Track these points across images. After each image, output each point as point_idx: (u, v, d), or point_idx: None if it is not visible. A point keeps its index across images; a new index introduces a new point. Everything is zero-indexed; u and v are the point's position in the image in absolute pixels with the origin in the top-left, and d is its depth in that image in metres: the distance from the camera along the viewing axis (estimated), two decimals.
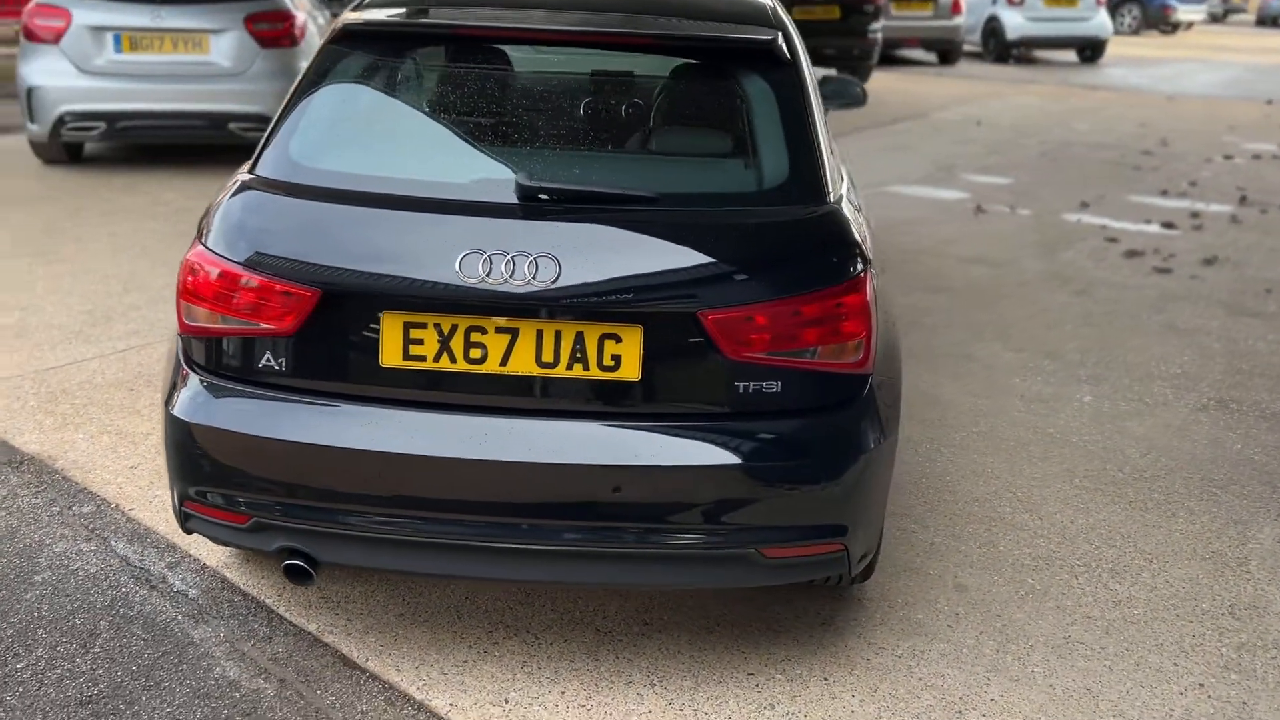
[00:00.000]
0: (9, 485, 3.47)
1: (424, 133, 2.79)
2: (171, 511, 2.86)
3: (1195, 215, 7.58)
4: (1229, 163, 9.62)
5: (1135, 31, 26.09)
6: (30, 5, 7.48)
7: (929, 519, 3.41)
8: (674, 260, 2.38)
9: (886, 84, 14.35)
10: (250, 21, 7.49)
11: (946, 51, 17.23)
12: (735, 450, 2.40)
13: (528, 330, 2.35)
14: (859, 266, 2.48)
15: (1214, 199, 8.14)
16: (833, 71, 11.65)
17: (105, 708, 2.51)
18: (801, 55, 2.88)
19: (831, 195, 2.59)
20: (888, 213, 7.39)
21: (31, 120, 7.47)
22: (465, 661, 2.70)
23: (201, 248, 2.52)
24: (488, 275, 2.31)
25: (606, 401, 2.40)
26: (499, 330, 2.35)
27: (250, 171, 2.65)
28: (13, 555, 3.08)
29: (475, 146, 2.67)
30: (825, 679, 2.67)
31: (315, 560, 2.52)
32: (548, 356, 2.36)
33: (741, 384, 2.39)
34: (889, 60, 16.67)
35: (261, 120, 7.15)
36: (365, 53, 2.82)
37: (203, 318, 2.49)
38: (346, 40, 2.79)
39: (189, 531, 2.63)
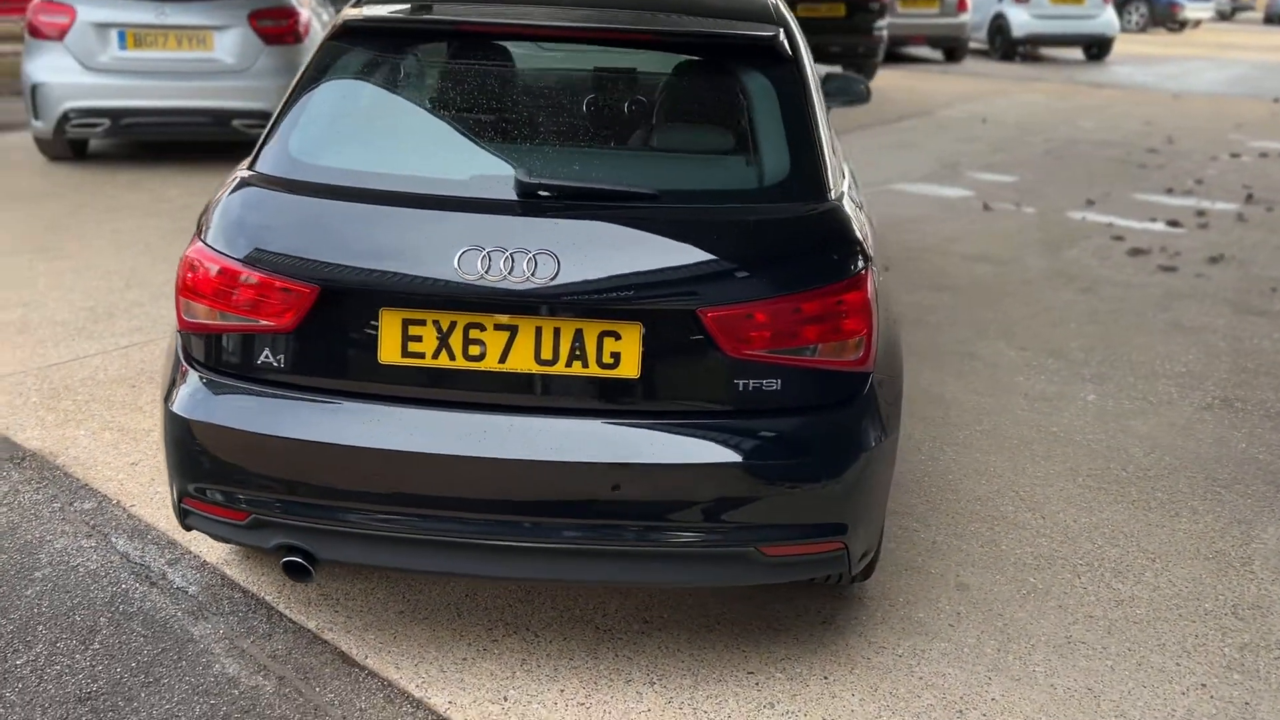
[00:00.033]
0: (10, 481, 3.47)
1: (424, 129, 2.79)
2: (171, 508, 2.86)
3: (1201, 213, 7.56)
4: (1235, 161, 9.58)
5: (1142, 29, 26.01)
6: (35, 2, 7.48)
7: (931, 517, 3.40)
8: (673, 257, 2.37)
9: (892, 81, 14.32)
10: (254, 18, 7.49)
11: (952, 49, 17.18)
12: (735, 448, 2.39)
13: (526, 327, 2.34)
14: (860, 264, 2.47)
15: (1220, 197, 8.11)
16: (837, 69, 11.64)
17: (104, 704, 2.51)
18: (803, 52, 2.87)
19: (832, 192, 2.58)
20: (892, 210, 7.37)
21: (36, 117, 7.48)
22: (464, 659, 2.69)
23: (201, 244, 2.51)
24: (486, 272, 2.30)
25: (606, 399, 2.39)
26: (498, 327, 2.35)
27: (250, 168, 2.65)
28: (13, 551, 3.08)
29: (475, 143, 2.66)
30: (825, 678, 2.66)
31: (314, 557, 2.51)
32: (547, 354, 2.35)
33: (741, 382, 2.38)
34: (894, 58, 16.62)
35: (265, 117, 7.14)
36: (366, 49, 2.81)
37: (202, 314, 2.49)
38: (347, 36, 2.78)
39: (188, 528, 2.63)
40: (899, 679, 2.66)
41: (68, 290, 5.23)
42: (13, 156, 8.15)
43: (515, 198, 2.45)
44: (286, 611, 2.84)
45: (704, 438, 2.39)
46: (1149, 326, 5.21)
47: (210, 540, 3.05)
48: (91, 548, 3.11)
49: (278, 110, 2.71)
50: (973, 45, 18.13)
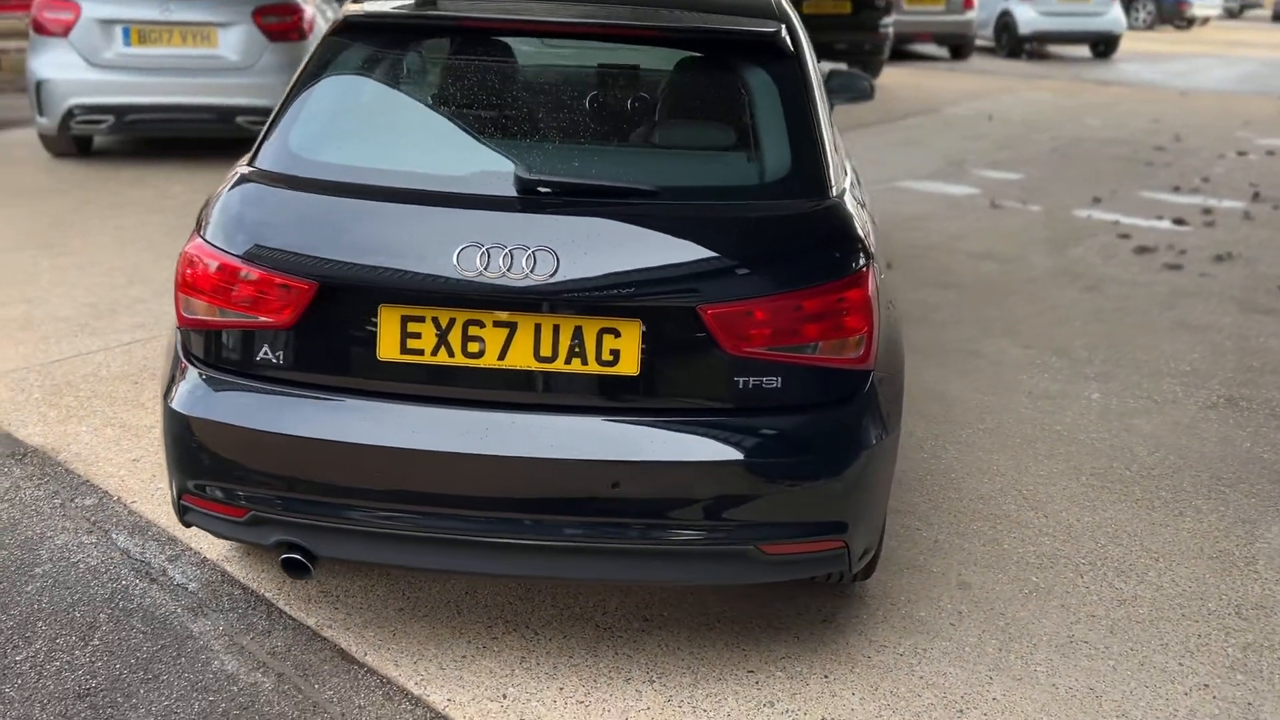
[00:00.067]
0: (12, 477, 3.47)
1: (424, 125, 2.78)
2: (171, 505, 2.86)
3: (1207, 211, 7.52)
4: (1242, 159, 9.54)
5: (1150, 27, 25.93)
6: None
7: (933, 516, 3.39)
8: (673, 254, 2.36)
9: (898, 79, 14.28)
10: (258, 15, 7.49)
11: (959, 46, 17.14)
12: (735, 446, 2.38)
13: (525, 324, 2.34)
14: (861, 261, 2.45)
15: (1226, 195, 8.08)
16: (843, 66, 11.60)
17: (103, 700, 2.50)
18: (805, 48, 2.86)
19: (834, 189, 2.57)
20: (898, 208, 7.35)
21: (41, 113, 7.49)
22: (464, 656, 2.69)
23: (200, 240, 2.51)
24: (485, 268, 2.30)
25: (606, 396, 2.38)
26: (497, 324, 2.34)
27: (250, 164, 2.64)
28: (14, 547, 3.08)
29: (475, 139, 2.66)
30: (826, 676, 2.65)
31: (312, 554, 2.51)
32: (546, 351, 2.34)
33: (742, 379, 2.37)
34: (900, 55, 16.59)
35: (269, 114, 7.13)
36: (366, 44, 2.81)
37: (201, 311, 2.49)
38: (348, 32, 2.78)
39: (187, 525, 2.63)
40: (900, 678, 2.65)
41: (71, 286, 5.24)
42: (17, 153, 8.16)
43: (515, 194, 2.44)
44: (286, 608, 2.84)
45: (704, 435, 2.38)
46: (1154, 325, 5.19)
47: (210, 537, 3.05)
48: (92, 544, 3.11)
49: (278, 106, 2.70)
50: (979, 43, 18.09)
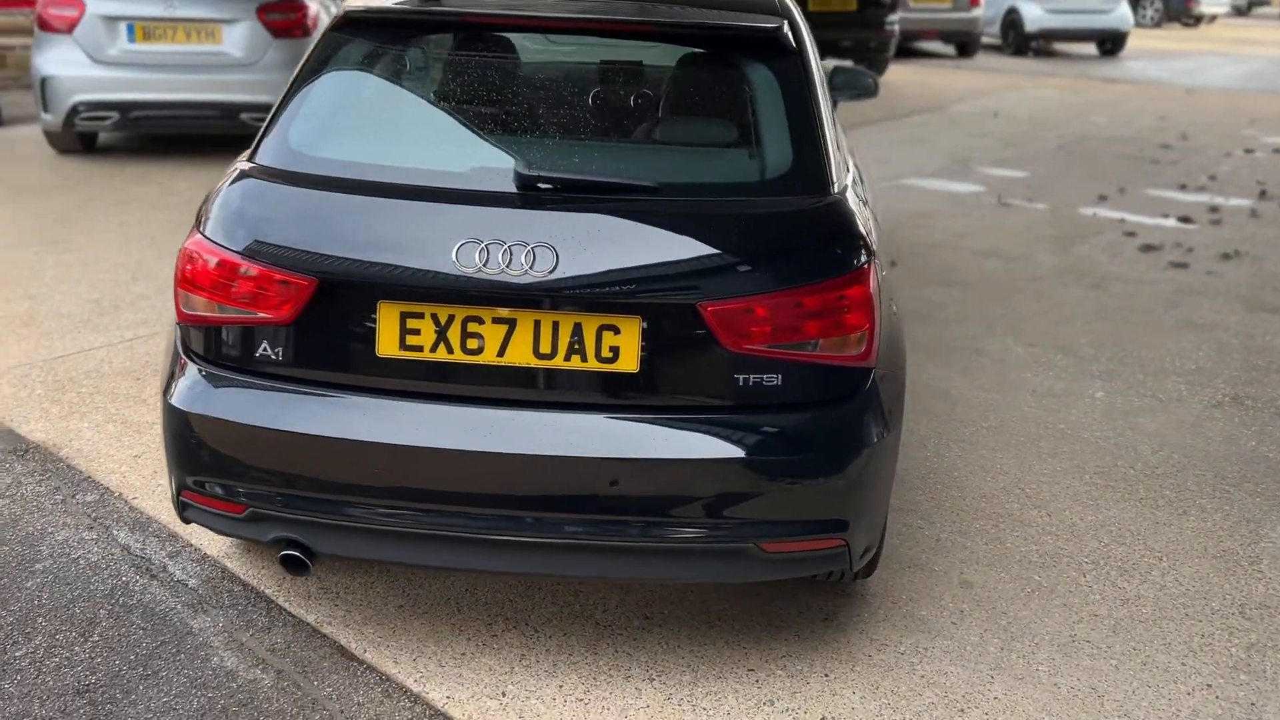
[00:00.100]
0: (13, 473, 3.47)
1: (424, 121, 2.77)
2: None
3: (1214, 209, 7.49)
4: (1249, 156, 9.50)
5: (1157, 24, 25.85)
6: None
7: (935, 514, 3.38)
8: (673, 251, 2.34)
9: (903, 76, 14.25)
10: (262, 12, 7.49)
11: (965, 44, 17.10)
12: (735, 443, 2.37)
13: (525, 321, 2.33)
14: (862, 258, 2.44)
15: (1233, 193, 8.04)
16: (848, 63, 11.57)
17: (102, 696, 2.50)
18: (808, 44, 2.84)
19: (835, 186, 2.56)
20: (903, 205, 7.33)
21: (45, 110, 7.50)
22: (463, 654, 2.68)
23: (200, 236, 2.50)
24: (484, 265, 2.29)
25: (606, 393, 2.37)
26: (496, 321, 2.33)
27: (250, 160, 2.63)
28: (15, 543, 3.08)
29: (475, 135, 2.65)
30: (826, 675, 2.64)
31: (311, 551, 2.50)
32: (545, 347, 2.33)
33: (742, 377, 2.36)
34: (906, 53, 16.55)
35: None
36: (367, 40, 2.80)
37: (200, 307, 2.48)
38: (348, 27, 2.77)
39: (187, 521, 2.62)
40: (900, 677, 2.64)
41: (74, 283, 5.24)
42: (22, 149, 8.17)
43: (514, 190, 2.43)
44: (286, 605, 2.83)
45: (704, 433, 2.37)
46: (1159, 323, 5.17)
47: (211, 533, 3.04)
48: (93, 540, 3.11)
49: (278, 102, 2.69)
50: (985, 40, 18.04)
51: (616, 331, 2.32)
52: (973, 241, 6.55)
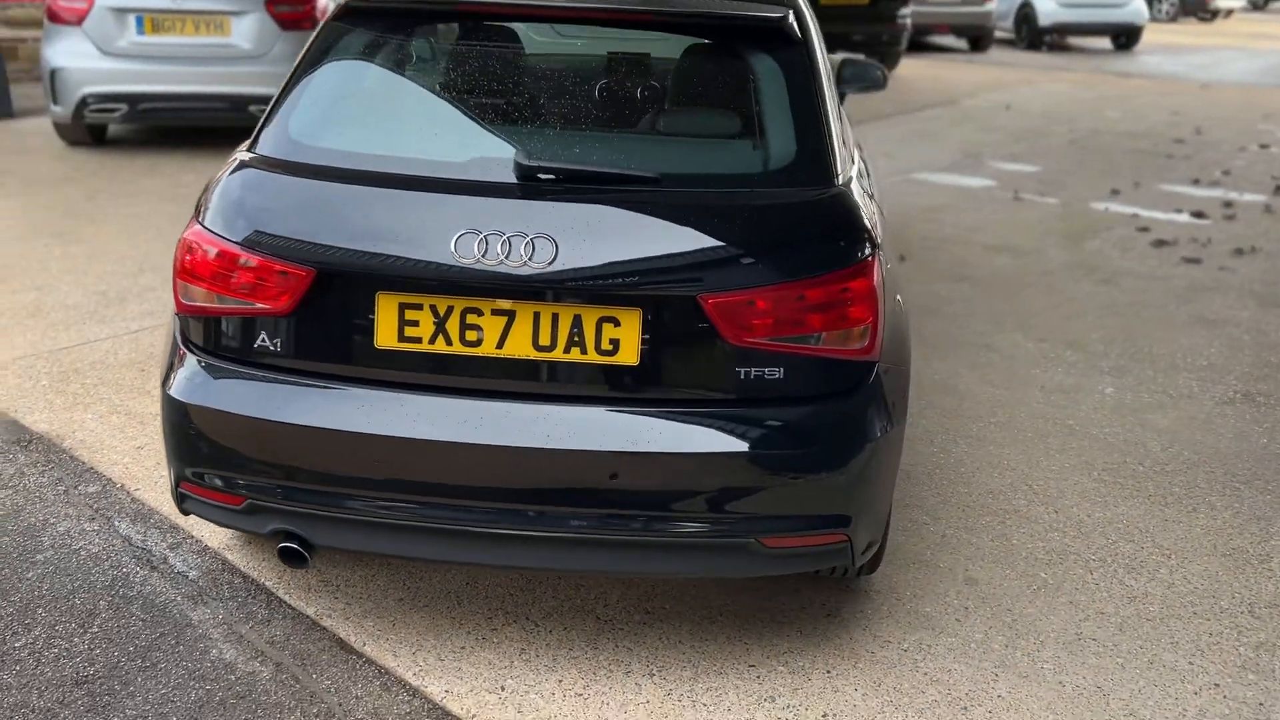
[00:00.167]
0: (16, 464, 3.47)
1: (424, 111, 2.75)
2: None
3: (1228, 205, 7.43)
4: (1264, 151, 9.42)
5: (1172, 19, 25.67)
6: None
7: (941, 510, 3.35)
8: (674, 242, 2.32)
9: (916, 70, 14.18)
10: (271, 3, 7.48)
11: (978, 38, 17.00)
12: (737, 437, 2.34)
13: (524, 312, 2.31)
14: (866, 251, 2.41)
15: (1247, 188, 7.97)
16: (859, 56, 11.50)
17: (100, 688, 2.49)
18: (813, 35, 2.81)
19: (840, 178, 2.53)
20: (913, 200, 7.29)
21: (55, 102, 7.51)
22: (463, 647, 2.66)
23: (199, 227, 2.49)
24: (483, 256, 2.27)
25: (606, 386, 2.35)
26: (495, 312, 2.31)
27: (250, 150, 2.62)
28: (16, 534, 3.08)
29: (475, 125, 2.63)
30: (828, 671, 2.62)
31: (309, 543, 2.49)
32: (545, 339, 2.31)
33: (743, 370, 2.33)
34: (918, 46, 16.46)
35: None
36: (368, 30, 2.78)
37: (199, 297, 2.47)
38: (349, 17, 2.75)
39: (185, 513, 2.62)
40: (903, 674, 2.61)
41: (81, 274, 5.24)
42: (32, 141, 8.18)
43: (514, 180, 2.41)
44: (286, 597, 2.82)
45: (705, 426, 2.34)
46: (1171, 319, 5.12)
47: (212, 525, 3.03)
48: (94, 531, 3.11)
49: (279, 92, 2.68)
50: (998, 34, 17.93)
51: (617, 324, 2.30)
52: (983, 236, 6.50)
